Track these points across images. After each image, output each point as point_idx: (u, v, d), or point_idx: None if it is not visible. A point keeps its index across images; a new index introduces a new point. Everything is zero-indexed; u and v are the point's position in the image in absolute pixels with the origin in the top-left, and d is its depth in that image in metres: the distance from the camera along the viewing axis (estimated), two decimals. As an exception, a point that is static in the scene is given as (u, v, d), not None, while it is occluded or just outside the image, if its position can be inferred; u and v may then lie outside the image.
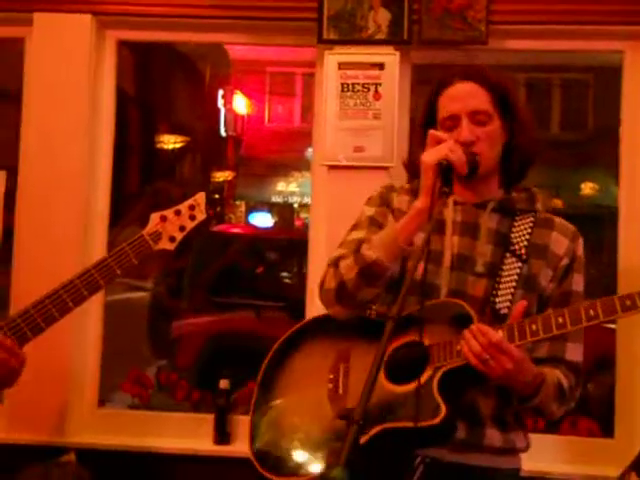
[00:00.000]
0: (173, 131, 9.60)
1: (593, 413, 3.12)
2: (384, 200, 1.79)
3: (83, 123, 2.80)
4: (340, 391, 1.65)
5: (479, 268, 1.63)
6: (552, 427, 2.88)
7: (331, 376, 1.68)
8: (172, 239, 1.88)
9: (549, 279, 1.66)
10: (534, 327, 1.49)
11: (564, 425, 2.84)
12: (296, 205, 11.82)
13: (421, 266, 1.47)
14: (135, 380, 3.02)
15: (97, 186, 2.89)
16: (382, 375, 1.56)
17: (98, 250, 2.79)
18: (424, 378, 1.52)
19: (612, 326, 2.75)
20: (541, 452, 2.66)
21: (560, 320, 1.46)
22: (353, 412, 1.19)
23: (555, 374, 1.62)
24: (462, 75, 1.68)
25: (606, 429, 2.77)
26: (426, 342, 1.55)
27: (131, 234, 1.91)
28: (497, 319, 1.58)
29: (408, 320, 1.54)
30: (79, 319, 2.78)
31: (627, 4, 2.63)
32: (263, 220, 11.43)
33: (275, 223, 11.61)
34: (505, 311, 1.59)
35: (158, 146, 9.35)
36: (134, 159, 8.27)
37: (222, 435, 2.74)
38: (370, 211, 1.79)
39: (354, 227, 1.80)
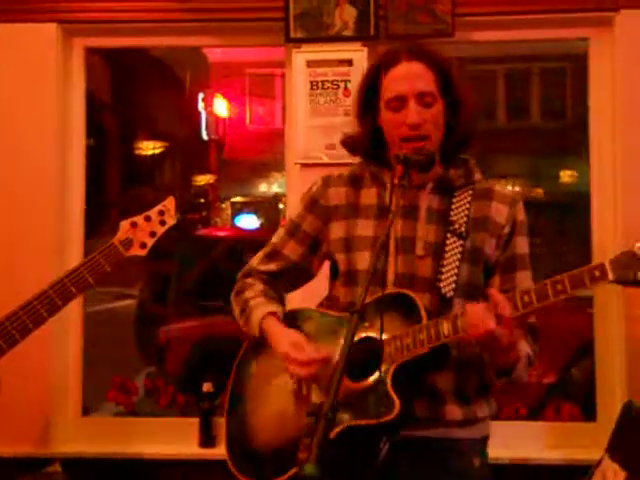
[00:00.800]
0: (152, 137, 9.60)
1: (576, 398, 3.15)
2: (314, 201, 1.81)
3: (53, 131, 2.79)
4: (304, 390, 1.66)
5: (419, 250, 1.66)
6: (535, 414, 2.91)
7: (293, 378, 1.68)
8: (143, 245, 1.90)
9: (493, 247, 1.69)
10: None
11: (548, 411, 2.87)
12: (281, 206, 11.82)
13: (365, 255, 1.59)
14: (119, 387, 3.02)
15: (71, 195, 2.88)
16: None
17: (74, 259, 2.78)
18: (378, 374, 1.54)
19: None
20: (525, 439, 2.68)
21: (526, 298, 1.47)
22: (320, 407, 1.20)
23: (522, 345, 1.63)
24: (408, 54, 1.68)
25: (589, 414, 2.79)
26: (381, 337, 1.56)
27: (104, 243, 1.92)
28: (444, 304, 1.60)
29: (365, 313, 1.57)
30: (60, 329, 2.78)
31: (589, -9, 2.66)
32: (249, 222, 11.42)
33: (261, 225, 11.61)
34: (451, 294, 1.61)
35: (137, 152, 9.34)
36: (113, 167, 8.26)
37: (207, 438, 2.75)
38: (295, 214, 1.85)
39: (282, 226, 1.88)
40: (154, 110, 9.98)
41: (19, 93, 2.78)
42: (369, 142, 1.74)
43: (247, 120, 12.05)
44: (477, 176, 1.75)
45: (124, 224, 1.90)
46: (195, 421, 2.79)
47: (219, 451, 2.69)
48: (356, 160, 2.66)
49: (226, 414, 1.82)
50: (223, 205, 11.38)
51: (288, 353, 1.62)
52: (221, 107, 11.19)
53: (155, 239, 1.92)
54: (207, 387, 2.82)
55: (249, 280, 1.84)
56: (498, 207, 1.71)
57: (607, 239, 2.68)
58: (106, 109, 7.59)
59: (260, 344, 1.78)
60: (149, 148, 9.40)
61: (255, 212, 11.77)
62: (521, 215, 1.73)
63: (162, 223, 1.93)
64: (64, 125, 2.85)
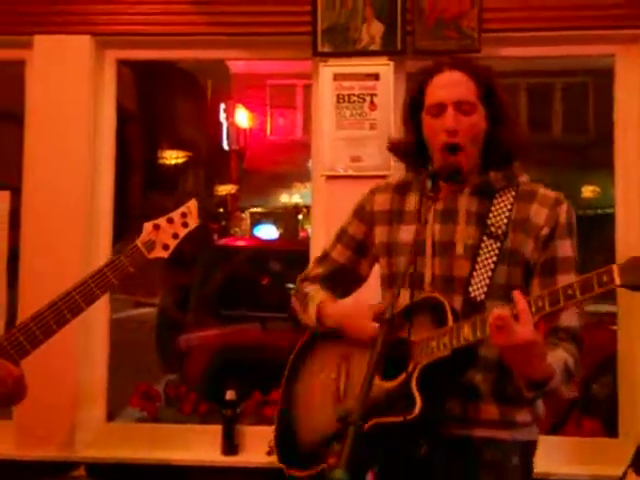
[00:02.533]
0: (175, 146, 9.69)
1: (597, 414, 3.14)
2: (361, 208, 1.89)
3: (85, 142, 2.85)
4: (341, 393, 1.71)
5: (459, 251, 1.69)
6: (557, 428, 2.91)
7: (334, 377, 1.74)
8: (166, 247, 1.90)
9: (532, 249, 1.69)
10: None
11: (569, 426, 2.87)
12: (300, 216, 11.87)
13: (404, 260, 1.60)
14: (143, 394, 3.06)
15: (100, 203, 2.93)
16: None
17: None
18: (405, 374, 1.57)
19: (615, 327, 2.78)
20: (546, 453, 2.67)
21: (540, 303, 1.47)
22: (351, 415, 1.22)
23: (560, 356, 1.61)
24: (451, 64, 1.74)
25: (611, 429, 2.78)
26: (411, 338, 1.60)
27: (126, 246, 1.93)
28: (473, 307, 1.62)
29: (399, 315, 1.61)
30: (86, 336, 2.82)
31: (616, 9, 2.67)
32: (268, 232, 11.47)
33: (280, 235, 11.66)
34: (481, 297, 1.63)
35: (161, 162, 9.43)
36: (137, 175, 8.34)
37: (230, 445, 2.77)
38: (346, 222, 1.93)
39: (337, 233, 1.94)
40: (177, 120, 10.08)
41: (54, 102, 2.84)
42: (413, 149, 1.78)
43: (268, 131, 12.14)
44: (522, 179, 1.76)
45: (147, 226, 1.90)
46: (218, 428, 2.82)
47: (242, 459, 2.75)
48: (383, 172, 2.72)
49: (279, 407, 1.87)
50: (243, 215, 11.45)
51: (349, 317, 1.71)
52: (242, 118, 11.28)
53: (178, 241, 1.92)
54: (230, 395, 2.85)
55: (305, 283, 1.93)
56: (539, 209, 1.71)
57: (632, 254, 2.68)
58: (131, 118, 7.68)
59: (312, 341, 1.85)
60: (172, 157, 9.48)
61: (274, 222, 11.83)
62: (564, 217, 1.71)
63: (184, 225, 1.93)
64: (95, 134, 2.90)
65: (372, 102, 2.75)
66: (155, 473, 2.73)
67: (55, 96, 2.84)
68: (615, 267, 1.40)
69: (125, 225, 3.04)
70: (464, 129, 1.68)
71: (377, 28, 2.74)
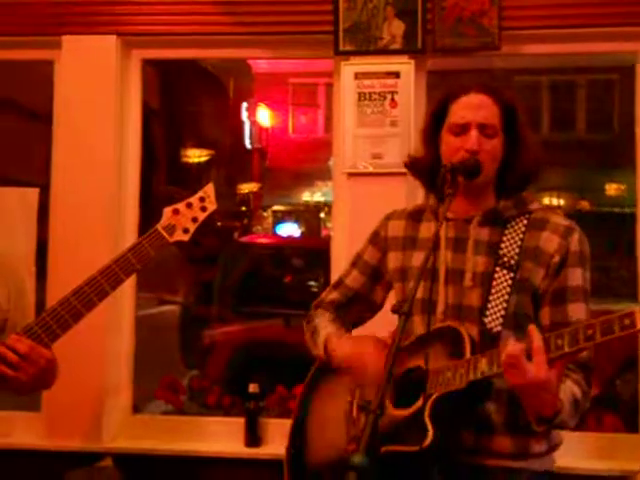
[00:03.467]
0: (198, 145, 9.77)
1: (620, 410, 3.14)
2: (375, 234, 1.92)
3: (111, 140, 2.91)
4: (355, 415, 1.72)
5: (467, 282, 1.70)
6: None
7: (349, 399, 1.76)
8: (186, 230, 1.93)
9: (542, 277, 1.69)
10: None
11: (589, 421, 2.87)
12: (322, 214, 11.90)
13: (421, 286, 1.59)
14: (168, 386, 3.11)
15: (126, 200, 2.99)
16: (389, 400, 1.63)
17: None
18: (419, 404, 1.57)
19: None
20: (567, 448, 2.68)
21: (559, 342, 1.44)
22: (371, 403, 1.26)
23: (568, 389, 1.60)
24: (478, 88, 1.76)
25: (631, 425, 2.79)
26: (426, 367, 1.60)
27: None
28: (489, 338, 1.61)
29: (414, 343, 1.65)
30: (112, 330, 2.89)
31: (637, 5, 2.67)
32: (290, 230, 11.52)
33: (302, 233, 11.70)
34: (498, 329, 1.63)
35: (184, 160, 9.52)
36: (160, 173, 8.44)
37: (253, 438, 2.82)
38: (362, 248, 1.95)
39: (352, 259, 1.97)
40: (200, 118, 10.16)
41: (81, 101, 2.90)
42: (431, 168, 1.78)
43: (290, 129, 12.19)
44: (533, 206, 1.76)
45: (167, 211, 1.93)
46: (241, 421, 2.87)
47: (264, 451, 2.79)
48: (403, 169, 2.74)
49: (290, 434, 1.89)
50: (264, 213, 11.50)
51: (353, 359, 1.72)
52: (264, 116, 11.34)
53: (197, 224, 1.94)
54: (253, 388, 2.89)
55: (318, 311, 1.95)
56: (549, 237, 1.71)
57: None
58: (154, 116, 7.76)
59: (325, 368, 1.85)
60: (195, 155, 9.56)
61: (296, 221, 11.87)
62: (575, 246, 1.70)
63: (203, 209, 1.95)
64: (122, 132, 2.96)
65: (393, 100, 2.78)
66: (179, 464, 2.79)
67: (82, 95, 2.90)
68: (638, 311, 1.36)
69: (148, 223, 3.10)
70: (485, 151, 1.70)
71: (398, 27, 2.78)
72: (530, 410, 1.54)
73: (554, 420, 1.53)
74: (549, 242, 1.70)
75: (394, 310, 1.53)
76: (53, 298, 2.84)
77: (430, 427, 1.52)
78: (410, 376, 1.64)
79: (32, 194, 3.00)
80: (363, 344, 1.74)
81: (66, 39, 2.90)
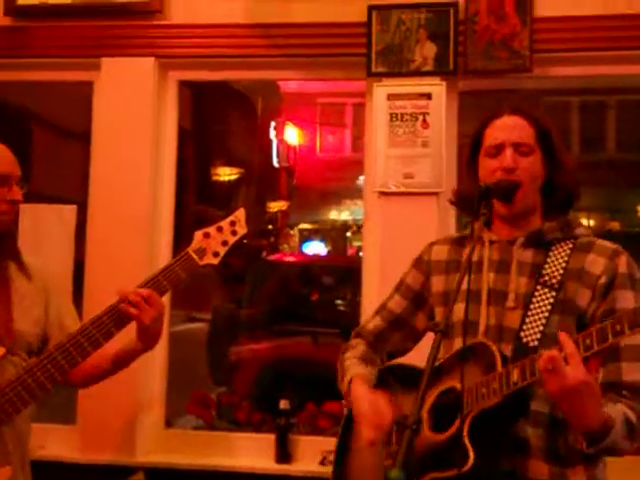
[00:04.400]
0: (228, 163, 9.87)
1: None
2: (419, 258, 1.91)
3: (147, 159, 2.98)
4: (393, 441, 1.72)
5: (510, 303, 1.68)
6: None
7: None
8: (216, 254, 1.94)
9: (588, 300, 1.66)
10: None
11: None
12: (349, 234, 11.92)
13: (461, 307, 1.60)
14: (199, 401, 3.15)
15: (161, 219, 3.05)
16: (425, 425, 1.63)
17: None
18: (456, 425, 1.56)
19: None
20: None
21: (588, 341, 1.44)
22: (407, 418, 1.29)
23: (620, 410, 1.54)
24: (511, 110, 1.78)
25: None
26: (460, 387, 1.58)
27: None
28: (525, 354, 1.57)
29: (448, 364, 1.65)
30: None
31: (668, 28, 2.69)
32: (317, 249, 11.56)
33: (328, 252, 11.73)
34: (534, 344, 1.61)
35: (214, 178, 9.63)
36: (191, 191, 8.54)
37: (283, 454, 2.84)
38: (405, 273, 1.94)
39: (395, 285, 1.95)
40: (230, 137, 10.28)
41: (119, 121, 2.98)
42: (471, 196, 1.74)
43: (317, 148, 12.26)
44: (579, 231, 1.75)
45: (197, 234, 1.94)
46: (271, 437, 2.89)
47: (295, 467, 2.81)
48: (435, 189, 2.77)
49: (333, 466, 1.89)
50: (291, 232, 11.55)
51: (360, 416, 1.71)
52: (292, 135, 11.42)
53: (227, 248, 1.95)
54: (284, 404, 2.92)
55: (355, 341, 1.93)
56: (595, 258, 1.69)
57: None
58: (186, 135, 7.87)
59: None
60: (225, 174, 9.67)
61: (323, 239, 11.91)
62: (624, 268, 1.67)
63: (233, 233, 1.96)
64: (158, 151, 3.03)
65: (424, 120, 2.82)
66: (210, 479, 2.82)
67: (120, 115, 2.98)
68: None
69: (179, 239, 3.16)
70: (522, 168, 1.70)
71: (430, 49, 2.82)
72: (577, 423, 1.49)
73: (605, 438, 1.48)
74: (595, 264, 1.68)
75: (430, 328, 1.54)
76: (90, 314, 2.91)
77: (470, 448, 1.50)
78: (445, 398, 1.63)
79: (70, 211, 3.07)
80: (370, 413, 1.70)
81: (105, 61, 2.99)
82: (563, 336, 1.45)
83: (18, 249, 1.98)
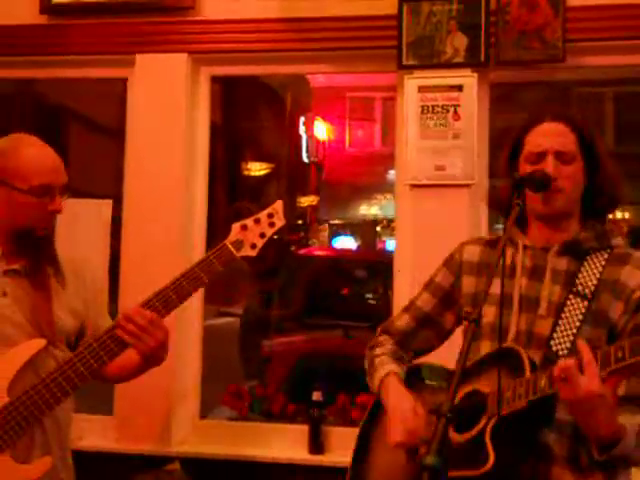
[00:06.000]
0: (258, 158, 9.91)
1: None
2: (450, 257, 1.89)
3: (181, 153, 3.01)
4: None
5: (542, 310, 1.68)
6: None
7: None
8: (253, 246, 1.94)
9: (620, 312, 1.64)
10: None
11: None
12: (379, 228, 11.90)
13: (489, 310, 1.61)
14: (233, 393, 3.19)
15: (194, 213, 3.09)
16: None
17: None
18: (479, 426, 1.56)
19: None
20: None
21: (619, 354, 1.42)
22: (441, 406, 1.30)
23: (635, 421, 1.54)
24: (552, 115, 1.76)
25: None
26: (486, 390, 1.59)
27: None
28: (552, 361, 1.57)
29: (475, 367, 1.64)
30: (180, 340, 2.96)
31: None
32: (346, 244, 11.56)
33: (358, 246, 11.72)
34: (564, 352, 1.60)
35: (244, 173, 9.68)
36: (221, 187, 8.59)
37: (316, 445, 2.87)
38: (435, 271, 1.92)
39: (425, 283, 1.94)
40: (260, 132, 10.32)
41: (153, 116, 3.02)
42: (509, 199, 1.71)
43: (347, 143, 12.26)
44: (616, 241, 1.73)
45: (235, 226, 1.95)
46: (304, 428, 2.92)
47: (328, 458, 2.84)
48: (467, 181, 2.76)
49: (351, 463, 1.89)
50: (321, 227, 11.56)
51: (395, 413, 1.71)
52: (321, 130, 11.42)
53: (265, 240, 1.95)
54: (317, 396, 2.94)
55: (382, 338, 1.93)
56: (631, 271, 1.67)
57: None
58: (217, 130, 7.92)
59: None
60: (255, 169, 9.71)
61: (352, 234, 11.91)
62: None
63: (271, 225, 1.95)
64: (191, 147, 3.06)
65: (456, 112, 2.81)
66: (244, 469, 2.86)
67: (154, 111, 3.02)
68: None
69: (212, 234, 3.19)
70: (563, 177, 1.68)
71: (461, 40, 2.81)
72: (587, 430, 1.50)
73: (616, 447, 1.48)
74: (631, 276, 1.66)
75: (463, 317, 1.54)
76: (125, 305, 2.96)
77: (491, 449, 1.50)
78: (469, 400, 1.63)
79: (106, 206, 3.12)
80: (403, 410, 1.71)
81: (139, 57, 3.03)
82: (581, 344, 1.46)
83: (56, 253, 2.01)
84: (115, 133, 3.30)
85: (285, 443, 2.93)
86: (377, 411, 1.86)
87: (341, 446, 2.83)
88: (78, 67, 3.15)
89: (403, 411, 1.70)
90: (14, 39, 3.08)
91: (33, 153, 1.93)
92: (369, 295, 6.45)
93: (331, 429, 2.92)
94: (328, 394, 3.10)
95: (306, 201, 11.20)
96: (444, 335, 1.91)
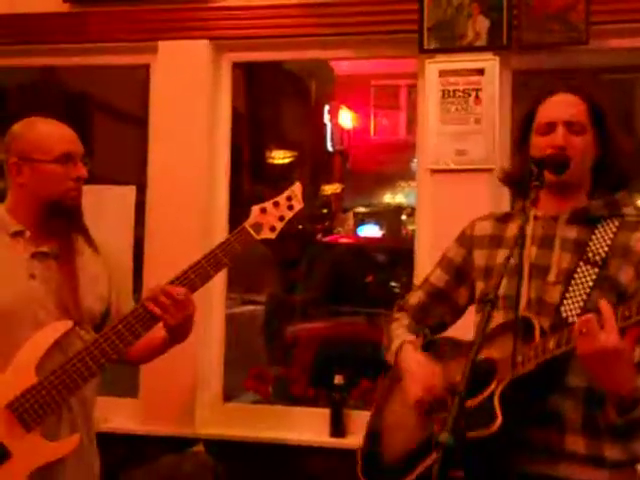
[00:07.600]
0: (282, 146, 9.94)
1: None
2: (461, 234, 1.91)
3: (204, 140, 3.04)
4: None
5: (551, 277, 1.68)
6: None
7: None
8: (272, 229, 1.96)
9: (631, 277, 1.65)
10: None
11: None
12: (404, 217, 11.86)
13: (504, 282, 1.60)
14: (256, 376, 3.23)
15: (217, 199, 3.11)
16: None
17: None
18: (488, 390, 1.58)
19: None
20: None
21: (627, 313, 1.44)
22: (457, 386, 1.31)
23: None
24: (564, 87, 1.76)
25: None
26: (497, 357, 1.61)
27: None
28: (561, 327, 1.57)
29: (488, 336, 1.61)
30: (204, 324, 2.99)
31: None
32: (371, 232, 11.54)
33: (383, 235, 11.70)
34: (574, 318, 1.60)
35: (268, 161, 9.71)
36: (245, 174, 8.63)
37: (338, 428, 2.89)
38: (448, 247, 1.94)
39: (438, 260, 1.96)
40: (284, 120, 10.34)
41: (175, 103, 3.04)
42: (521, 173, 1.76)
43: (371, 131, 12.22)
44: (628, 209, 1.74)
45: (254, 209, 1.97)
46: (326, 412, 2.94)
47: (349, 441, 2.86)
48: (488, 165, 2.75)
49: (367, 427, 1.95)
50: (345, 215, 11.55)
51: (411, 374, 1.75)
52: (346, 119, 11.40)
53: (284, 223, 1.97)
54: (338, 379, 2.97)
55: (399, 314, 1.95)
56: None
57: None
58: (240, 118, 7.94)
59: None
60: (279, 157, 9.73)
61: (377, 222, 11.88)
62: None
63: (290, 208, 1.97)
64: (213, 133, 3.09)
65: (477, 97, 2.80)
66: (266, 451, 2.89)
67: (176, 97, 3.04)
68: None
69: (234, 220, 3.22)
70: (573, 146, 1.68)
71: (482, 24, 2.79)
72: (606, 388, 1.51)
73: (636, 409, 1.49)
74: None
75: (480, 299, 1.55)
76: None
77: (499, 411, 1.52)
78: (481, 367, 1.62)
79: (129, 192, 3.15)
80: (421, 372, 1.74)
81: (162, 44, 3.05)
82: (603, 303, 1.47)
83: (85, 224, 2.04)
84: (138, 120, 3.33)
85: (307, 426, 2.96)
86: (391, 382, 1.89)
87: (362, 429, 2.83)
88: (101, 54, 3.18)
89: (420, 369, 1.73)
90: (37, 27, 3.11)
91: (50, 127, 1.99)
92: (393, 283, 6.46)
93: (353, 412, 2.94)
94: (350, 378, 3.13)
95: (330, 189, 11.20)
96: (459, 310, 1.93)
